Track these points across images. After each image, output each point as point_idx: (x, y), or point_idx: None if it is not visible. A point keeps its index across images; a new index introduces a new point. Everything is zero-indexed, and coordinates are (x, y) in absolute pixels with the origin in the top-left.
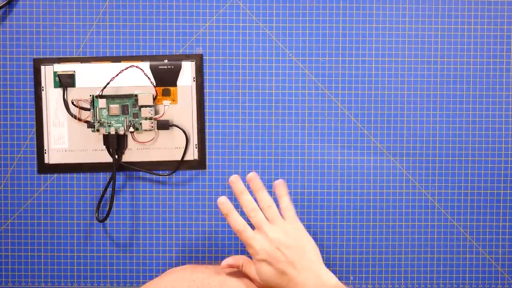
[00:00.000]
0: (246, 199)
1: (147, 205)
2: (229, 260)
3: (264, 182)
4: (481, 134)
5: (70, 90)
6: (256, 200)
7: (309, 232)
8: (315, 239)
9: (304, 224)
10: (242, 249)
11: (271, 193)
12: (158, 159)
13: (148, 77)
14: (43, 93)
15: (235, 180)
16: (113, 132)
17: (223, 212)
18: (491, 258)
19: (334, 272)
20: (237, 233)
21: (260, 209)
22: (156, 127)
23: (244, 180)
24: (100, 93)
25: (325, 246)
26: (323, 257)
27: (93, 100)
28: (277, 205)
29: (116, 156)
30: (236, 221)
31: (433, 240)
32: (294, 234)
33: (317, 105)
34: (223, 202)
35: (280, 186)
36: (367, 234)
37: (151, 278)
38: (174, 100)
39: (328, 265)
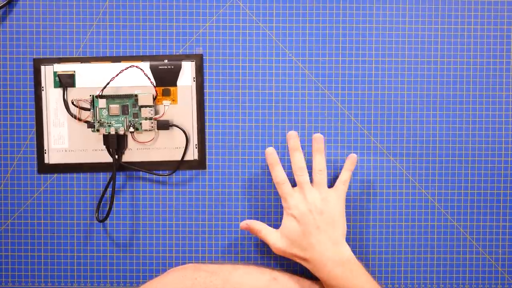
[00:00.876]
0: (297, 156)
1: (147, 205)
2: (249, 222)
3: (264, 182)
4: (481, 134)
5: (70, 90)
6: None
7: None
8: None
9: None
10: (243, 249)
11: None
12: (158, 159)
13: (148, 77)
14: (43, 93)
15: (292, 136)
16: (113, 132)
17: (269, 162)
18: (491, 258)
19: None
20: (277, 185)
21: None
22: (156, 127)
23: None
24: (100, 93)
25: None
26: None
27: (93, 100)
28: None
29: (116, 156)
30: (278, 173)
31: (433, 240)
32: (331, 204)
33: (317, 105)
34: (271, 153)
35: (353, 160)
36: (367, 234)
37: (151, 278)
38: (174, 100)
39: None
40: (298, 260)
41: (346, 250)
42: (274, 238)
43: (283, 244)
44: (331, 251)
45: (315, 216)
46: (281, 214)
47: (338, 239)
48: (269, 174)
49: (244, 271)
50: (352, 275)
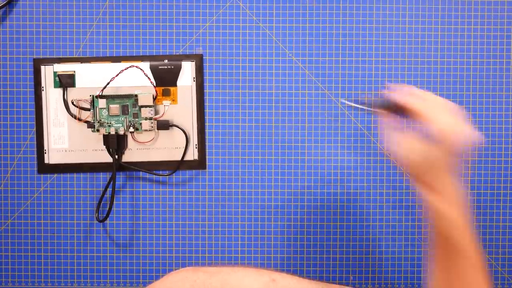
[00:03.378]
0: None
1: (147, 205)
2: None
3: (264, 182)
4: (481, 134)
5: (70, 90)
6: None
7: (309, 231)
8: (315, 239)
9: (304, 224)
10: (242, 249)
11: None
12: (158, 159)
13: (148, 77)
14: (43, 93)
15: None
16: (113, 132)
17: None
18: (491, 258)
19: (334, 272)
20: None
21: None
22: (156, 127)
23: None
24: (100, 93)
25: (325, 246)
26: (322, 257)
27: (93, 100)
28: None
29: (116, 156)
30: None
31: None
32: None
33: (317, 105)
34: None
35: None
36: (367, 234)
37: (151, 278)
38: (174, 100)
39: (328, 265)
40: (421, 178)
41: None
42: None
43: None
44: (455, 180)
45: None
46: (281, 214)
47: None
48: (269, 174)
49: (243, 273)
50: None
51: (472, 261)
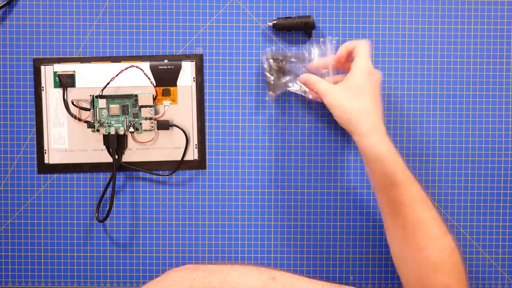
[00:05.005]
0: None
1: (147, 205)
2: (306, 76)
3: (264, 182)
4: (481, 134)
5: (70, 90)
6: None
7: (309, 231)
8: (315, 239)
9: (304, 224)
10: (242, 249)
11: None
12: (158, 159)
13: (148, 77)
14: (43, 93)
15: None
16: (113, 132)
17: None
18: (491, 258)
19: (334, 272)
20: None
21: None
22: (156, 127)
23: None
24: (100, 93)
25: (325, 246)
26: (322, 257)
27: (93, 100)
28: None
29: (116, 156)
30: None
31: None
32: (375, 82)
33: (317, 105)
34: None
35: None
36: (367, 234)
37: (151, 278)
38: (174, 100)
39: (328, 265)
40: (343, 114)
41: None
42: (328, 85)
43: (339, 95)
44: (379, 119)
45: (371, 83)
46: (281, 214)
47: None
48: (269, 174)
49: (243, 271)
50: (389, 141)
51: (415, 195)
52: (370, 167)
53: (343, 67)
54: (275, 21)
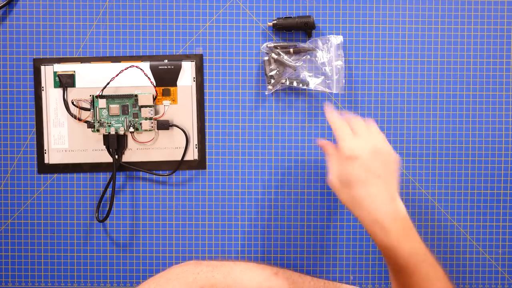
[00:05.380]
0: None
1: (147, 205)
2: (325, 144)
3: (264, 182)
4: (481, 134)
5: (70, 90)
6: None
7: (309, 231)
8: (315, 239)
9: (304, 224)
10: (242, 249)
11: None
12: (158, 159)
13: (148, 77)
14: (43, 93)
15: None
16: (113, 132)
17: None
18: (491, 258)
19: (334, 272)
20: (336, 129)
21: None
22: (156, 127)
23: None
24: (100, 93)
25: (325, 246)
26: (322, 257)
27: (93, 100)
28: None
29: (116, 156)
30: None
31: (433, 240)
32: (387, 154)
33: (317, 105)
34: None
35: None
36: (367, 234)
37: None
38: (174, 100)
39: (328, 265)
40: (346, 203)
41: (402, 206)
42: (331, 170)
43: (336, 180)
44: (388, 205)
45: (378, 163)
46: (281, 214)
47: (395, 192)
48: (269, 174)
49: (245, 266)
50: (405, 234)
51: (422, 276)
52: (385, 259)
53: None
54: (275, 21)
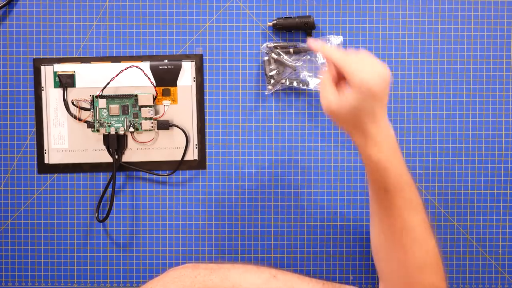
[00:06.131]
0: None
1: (147, 205)
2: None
3: (264, 182)
4: (481, 134)
5: (70, 90)
6: None
7: (309, 231)
8: (315, 239)
9: (304, 224)
10: (242, 249)
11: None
12: (158, 159)
13: (148, 77)
14: (43, 93)
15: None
16: (113, 132)
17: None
18: (491, 258)
19: (334, 272)
20: (338, 59)
21: None
22: (156, 127)
23: None
24: (100, 93)
25: (325, 246)
26: (322, 257)
27: (93, 100)
28: None
29: (116, 156)
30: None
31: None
32: (388, 77)
33: (317, 105)
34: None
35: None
36: (367, 234)
37: (151, 278)
38: (174, 100)
39: (328, 265)
40: (348, 129)
41: (390, 125)
42: (331, 94)
43: (341, 107)
44: (383, 122)
45: (385, 89)
46: (281, 214)
47: (386, 110)
48: (269, 174)
49: (243, 269)
50: (395, 153)
51: (406, 201)
52: (364, 164)
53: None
54: (275, 21)
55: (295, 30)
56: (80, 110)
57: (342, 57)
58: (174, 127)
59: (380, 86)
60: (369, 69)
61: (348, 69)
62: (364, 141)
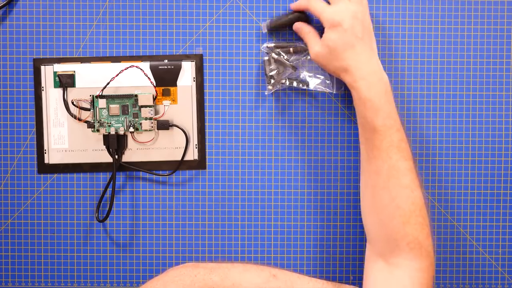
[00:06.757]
0: None
1: (147, 205)
2: (300, 24)
3: (264, 182)
4: (481, 134)
5: (70, 90)
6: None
7: (308, 231)
8: (315, 239)
9: (304, 224)
10: (242, 249)
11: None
12: (158, 159)
13: (148, 77)
14: (43, 93)
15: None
16: (113, 132)
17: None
18: (491, 258)
19: (334, 272)
20: (310, 5)
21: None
22: (156, 127)
23: None
24: (100, 93)
25: (325, 246)
26: (322, 257)
27: (93, 100)
28: None
29: (116, 156)
30: None
31: (433, 240)
32: (365, 15)
33: (317, 105)
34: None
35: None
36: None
37: (151, 278)
38: (174, 100)
39: (328, 265)
40: (335, 70)
41: (378, 61)
42: (315, 44)
43: (323, 51)
44: (373, 64)
45: (360, 25)
46: (281, 214)
47: (374, 49)
48: (269, 174)
49: (243, 268)
50: (386, 95)
51: (394, 143)
52: (355, 105)
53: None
54: (268, 21)
55: (289, 28)
56: (80, 110)
57: (318, 4)
58: (174, 127)
59: (350, 21)
60: (337, 8)
61: (320, 12)
62: (350, 76)
